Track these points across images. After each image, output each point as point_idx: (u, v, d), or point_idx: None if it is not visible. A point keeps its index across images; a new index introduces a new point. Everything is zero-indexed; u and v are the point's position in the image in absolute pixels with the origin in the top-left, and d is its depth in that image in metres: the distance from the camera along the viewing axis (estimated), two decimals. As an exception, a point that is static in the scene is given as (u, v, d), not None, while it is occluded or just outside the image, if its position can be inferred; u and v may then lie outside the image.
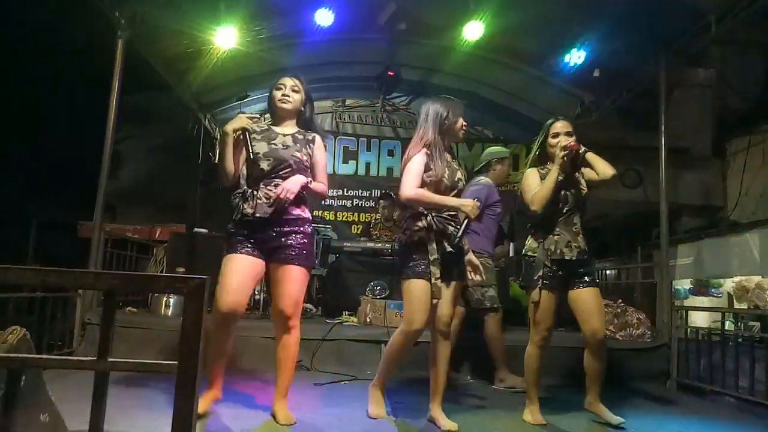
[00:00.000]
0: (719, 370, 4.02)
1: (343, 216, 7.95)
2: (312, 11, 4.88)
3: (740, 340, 4.05)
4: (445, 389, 2.89)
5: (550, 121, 3.07)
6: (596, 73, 5.17)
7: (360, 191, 7.96)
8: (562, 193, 2.94)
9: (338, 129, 8.16)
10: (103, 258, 4.57)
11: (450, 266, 2.78)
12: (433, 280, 2.68)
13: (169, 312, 4.74)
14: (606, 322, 3.48)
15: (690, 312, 4.74)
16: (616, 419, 2.92)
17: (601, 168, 2.92)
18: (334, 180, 8.00)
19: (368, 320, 4.76)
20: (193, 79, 5.84)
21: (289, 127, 2.77)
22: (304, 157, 2.69)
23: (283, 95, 2.74)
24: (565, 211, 2.95)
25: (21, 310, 3.79)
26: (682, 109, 6.79)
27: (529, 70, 6.01)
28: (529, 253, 3.01)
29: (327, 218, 7.65)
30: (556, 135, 2.97)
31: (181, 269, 5.01)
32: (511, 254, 6.58)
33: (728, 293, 6.50)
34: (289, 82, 2.77)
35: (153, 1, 4.46)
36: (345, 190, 8.02)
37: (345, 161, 8.10)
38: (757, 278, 5.83)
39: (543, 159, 3.06)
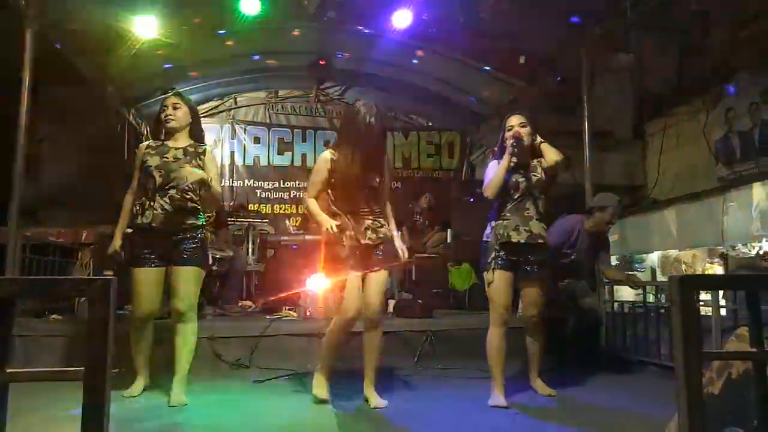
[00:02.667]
0: (643, 341, 4.26)
1: (280, 208, 7.83)
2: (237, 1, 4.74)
3: (662, 311, 4.29)
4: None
5: (506, 116, 3.28)
6: (522, 60, 5.31)
7: (297, 183, 7.86)
8: (513, 179, 3.10)
9: (271, 120, 8.00)
10: (22, 265, 4.30)
11: (369, 257, 2.95)
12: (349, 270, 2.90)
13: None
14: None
15: (617, 286, 4.97)
16: (547, 390, 3.23)
17: (548, 155, 3.12)
18: (270, 172, 7.87)
19: (308, 314, 4.72)
20: (113, 73, 5.55)
21: (182, 141, 3.08)
22: (194, 167, 2.97)
23: (166, 116, 3.04)
24: (516, 197, 3.11)
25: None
26: (605, 93, 7.08)
27: (459, 57, 6.09)
28: (484, 238, 3.20)
29: (263, 212, 7.51)
30: (511, 128, 3.15)
31: (109, 272, 4.78)
32: (448, 240, 6.70)
33: (651, 268, 6.88)
34: (170, 101, 3.09)
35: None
36: (281, 181, 7.90)
37: (280, 153, 7.96)
38: (675, 252, 6.21)
39: (503, 151, 3.18)
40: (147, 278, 2.92)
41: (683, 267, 6.26)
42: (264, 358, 4.05)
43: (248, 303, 5.53)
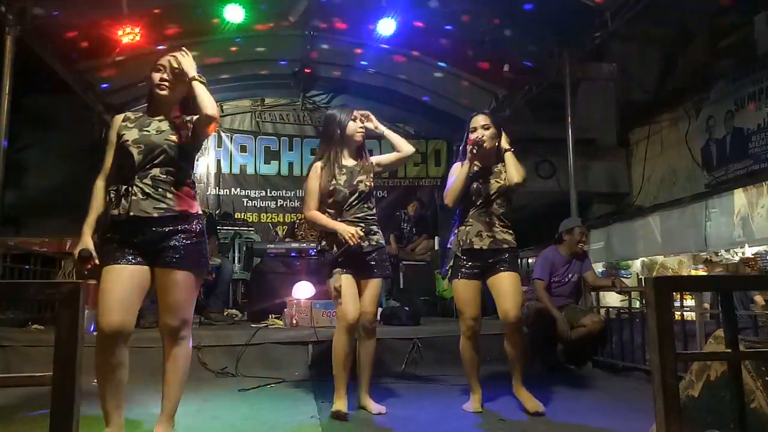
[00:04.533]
0: (629, 346, 4.28)
1: (267, 217, 7.80)
2: (222, 7, 4.74)
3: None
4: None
5: (471, 115, 3.12)
6: (506, 69, 5.36)
7: (284, 191, 7.84)
8: (475, 185, 2.98)
9: (259, 128, 7.99)
10: (2, 273, 4.24)
11: (362, 265, 2.90)
12: (340, 276, 2.84)
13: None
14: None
15: (604, 293, 5.02)
16: (533, 406, 2.92)
17: (510, 172, 2.97)
18: (257, 180, 7.85)
19: (294, 322, 4.69)
20: (96, 80, 5.52)
21: (168, 115, 2.35)
22: (183, 140, 2.29)
23: (161, 80, 2.28)
24: (478, 203, 2.99)
25: None
26: (589, 102, 7.17)
27: (444, 66, 6.14)
28: (449, 245, 3.10)
29: (250, 220, 7.47)
30: (474, 129, 3.00)
31: (93, 282, 4.72)
32: (436, 248, 6.71)
33: (636, 274, 6.94)
34: (167, 62, 2.28)
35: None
36: (268, 190, 7.88)
37: (267, 161, 7.94)
38: (660, 258, 6.26)
39: (465, 153, 3.08)
40: (120, 278, 2.16)
41: (669, 273, 6.32)
42: (250, 366, 4.02)
43: (234, 311, 5.49)
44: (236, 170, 7.82)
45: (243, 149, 7.85)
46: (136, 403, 2.93)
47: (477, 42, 5.20)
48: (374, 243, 2.95)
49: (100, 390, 2.17)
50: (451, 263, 2.99)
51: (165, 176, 2.25)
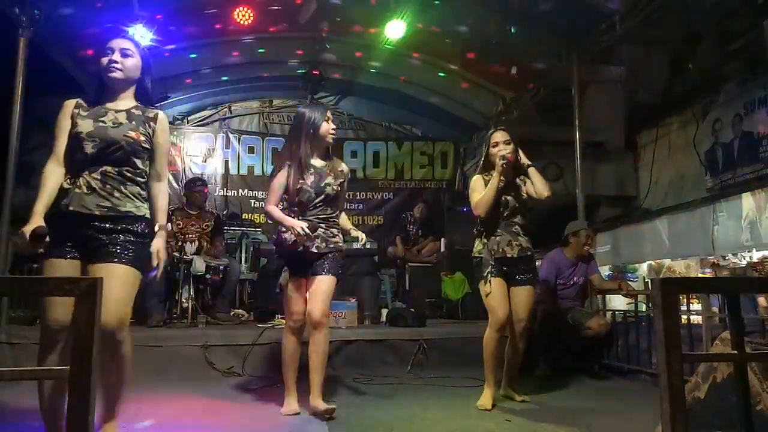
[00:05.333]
0: (635, 350, 4.26)
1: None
2: (231, 10, 4.78)
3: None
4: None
5: (490, 132, 3.35)
6: (514, 71, 5.37)
7: (291, 193, 7.85)
8: (503, 198, 3.20)
9: (267, 130, 8.02)
10: (12, 272, 4.29)
11: (316, 262, 2.94)
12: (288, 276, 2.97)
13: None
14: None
15: (610, 296, 5.00)
16: (520, 396, 3.29)
17: (538, 188, 3.21)
18: (264, 181, 7.87)
19: (300, 322, 4.70)
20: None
21: (125, 102, 2.25)
22: (141, 137, 2.19)
23: (111, 62, 2.17)
24: (506, 214, 3.22)
25: None
26: (596, 104, 7.16)
27: (452, 68, 6.16)
28: (476, 254, 3.27)
29: (257, 221, 7.50)
30: (496, 144, 3.22)
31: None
32: (442, 249, 6.72)
33: (643, 277, 6.92)
34: (116, 44, 2.20)
35: (57, -3, 4.23)
36: (276, 191, 7.90)
37: (274, 162, 7.96)
38: (667, 261, 6.24)
39: (487, 167, 3.28)
40: (63, 272, 2.04)
41: (677, 276, 6.29)
42: (256, 366, 4.05)
43: (240, 311, 5.52)
44: (244, 171, 7.85)
45: (251, 150, 7.89)
46: (145, 402, 2.96)
47: (485, 44, 5.21)
48: (332, 246, 2.98)
49: (42, 399, 1.85)
50: (488, 269, 3.16)
51: (116, 173, 2.15)
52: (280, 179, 2.94)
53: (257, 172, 7.88)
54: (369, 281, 5.60)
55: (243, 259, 6.02)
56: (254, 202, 7.79)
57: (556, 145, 6.87)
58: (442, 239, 6.92)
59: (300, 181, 2.91)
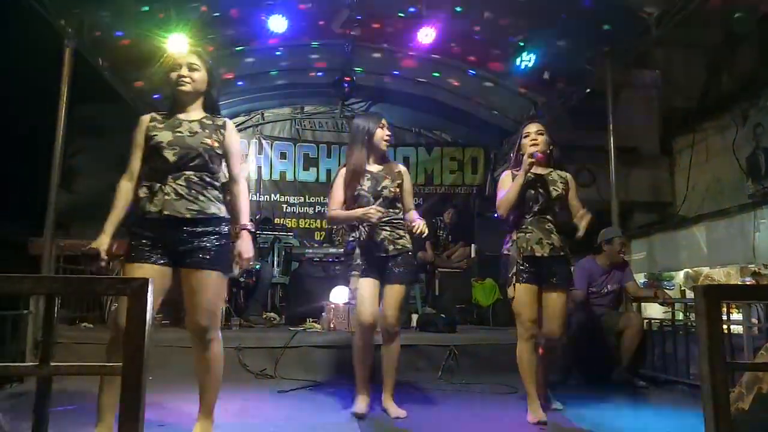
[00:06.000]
0: (672, 359, 4.17)
1: (305, 223, 7.93)
2: (265, 18, 4.87)
3: (692, 329, 4.20)
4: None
5: (524, 124, 3.20)
6: (546, 76, 5.32)
7: (322, 198, 7.95)
8: (532, 192, 3.00)
9: (298, 136, 8.14)
10: (56, 274, 4.43)
11: (382, 269, 2.97)
12: (357, 278, 2.92)
13: (127, 326, 4.61)
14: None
15: (643, 303, 4.90)
16: (554, 404, 3.12)
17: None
18: (296, 187, 7.99)
19: (332, 326, 4.75)
20: (145, 88, 5.73)
21: (195, 113, 2.39)
22: (216, 144, 2.33)
23: (180, 77, 2.33)
24: (536, 210, 2.99)
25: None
26: (630, 109, 7.03)
27: (482, 73, 6.14)
28: (505, 251, 3.08)
29: (289, 225, 7.60)
30: (527, 135, 3.06)
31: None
32: (472, 255, 6.68)
33: (680, 285, 6.75)
34: (184, 59, 2.35)
35: (100, 9, 4.37)
36: (307, 196, 8.01)
37: (306, 168, 8.08)
38: (705, 269, 6.08)
39: (519, 161, 3.09)
40: (147, 276, 2.07)
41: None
42: (289, 368, 4.10)
43: (273, 315, 5.59)
44: (276, 177, 7.98)
45: (283, 156, 8.01)
46: (180, 402, 3.02)
47: (517, 48, 5.19)
48: (399, 247, 2.99)
49: (100, 389, 2.17)
50: (514, 270, 2.97)
51: (198, 179, 2.27)
52: (339, 186, 3.04)
53: (289, 177, 8.00)
54: (399, 286, 5.59)
55: (275, 263, 6.10)
56: (286, 207, 7.91)
57: (589, 150, 6.78)
58: (472, 245, 6.88)
59: (357, 187, 2.98)
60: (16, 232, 6.92)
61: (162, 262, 2.22)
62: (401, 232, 3.04)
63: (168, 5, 4.54)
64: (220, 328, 4.67)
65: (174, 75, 2.34)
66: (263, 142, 7.96)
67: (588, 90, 5.51)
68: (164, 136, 2.28)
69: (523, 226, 3.00)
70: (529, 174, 2.98)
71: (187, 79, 2.33)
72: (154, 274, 2.15)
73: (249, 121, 7.98)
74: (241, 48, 5.59)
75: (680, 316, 4.43)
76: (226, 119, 2.46)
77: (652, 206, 7.35)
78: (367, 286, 2.94)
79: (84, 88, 4.58)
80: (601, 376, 4.23)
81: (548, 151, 3.06)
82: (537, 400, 2.93)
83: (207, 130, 2.34)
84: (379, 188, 2.98)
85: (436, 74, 6.43)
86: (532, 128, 3.07)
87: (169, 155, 2.25)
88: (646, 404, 3.64)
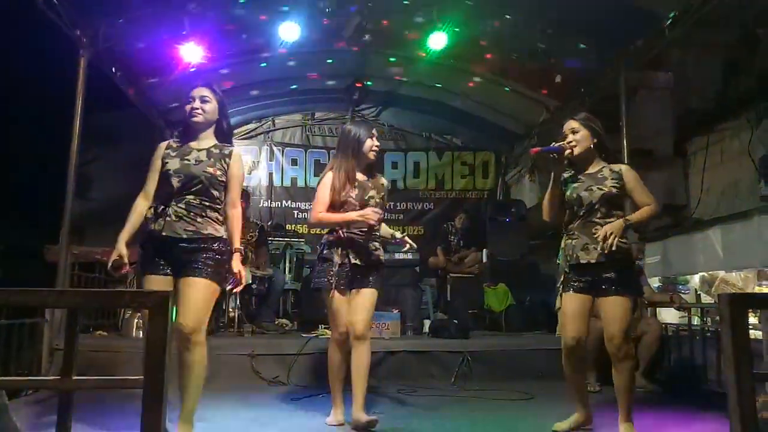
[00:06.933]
0: (689, 365, 4.11)
1: (316, 229, 7.92)
2: (277, 26, 4.89)
3: (708, 334, 4.15)
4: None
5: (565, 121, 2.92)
6: (558, 79, 5.29)
7: (332, 203, 7.94)
8: (574, 194, 2.78)
9: (309, 142, 8.16)
10: (71, 281, 4.48)
11: (359, 276, 2.95)
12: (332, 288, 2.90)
13: (141, 334, 4.65)
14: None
15: (659, 308, 4.84)
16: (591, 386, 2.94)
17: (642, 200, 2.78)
18: (306, 193, 7.99)
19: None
20: (158, 97, 5.78)
21: (206, 141, 2.66)
22: (218, 172, 2.58)
23: (192, 109, 2.61)
24: (581, 213, 2.76)
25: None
26: (644, 111, 6.96)
27: (494, 78, 6.12)
28: (557, 260, 2.92)
29: (300, 231, 7.61)
30: (565, 136, 2.82)
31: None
32: (484, 260, 6.65)
33: (695, 289, 6.66)
34: (197, 92, 2.64)
35: (115, 18, 4.41)
36: (317, 202, 8.00)
37: (316, 174, 8.06)
38: (721, 273, 5.99)
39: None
40: (157, 286, 2.47)
41: (732, 288, 6.04)
42: (301, 375, 4.10)
43: (284, 321, 5.59)
44: (287, 183, 8.00)
45: (294, 162, 8.03)
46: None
47: (528, 52, 5.17)
48: (373, 258, 2.99)
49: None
50: (561, 279, 2.83)
51: (198, 202, 2.54)
52: (324, 191, 2.98)
53: (300, 183, 8.01)
54: (411, 292, 5.59)
55: (287, 269, 6.11)
56: (297, 213, 7.91)
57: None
58: (484, 250, 6.85)
59: (344, 194, 2.96)
60: (32, 240, 7.00)
61: (165, 272, 2.51)
62: (377, 244, 3.04)
63: (183, 16, 4.58)
64: (233, 335, 4.73)
65: (188, 107, 2.62)
66: (274, 148, 7.98)
67: (602, 93, 5.47)
68: (173, 164, 2.56)
69: (570, 232, 2.81)
70: (567, 173, 2.82)
71: (199, 111, 2.61)
72: (161, 283, 2.47)
73: (260, 128, 8.02)
74: (252, 55, 5.62)
75: (696, 320, 4.38)
76: (234, 148, 2.71)
77: (667, 209, 7.26)
78: (340, 300, 2.92)
79: (98, 97, 4.63)
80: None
81: (591, 146, 2.79)
82: (580, 411, 2.82)
83: (212, 159, 2.60)
84: (366, 197, 2.98)
85: (447, 79, 6.42)
86: (567, 127, 2.83)
87: (174, 181, 2.54)
88: (664, 411, 3.58)
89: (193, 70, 5.13)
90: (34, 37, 5.69)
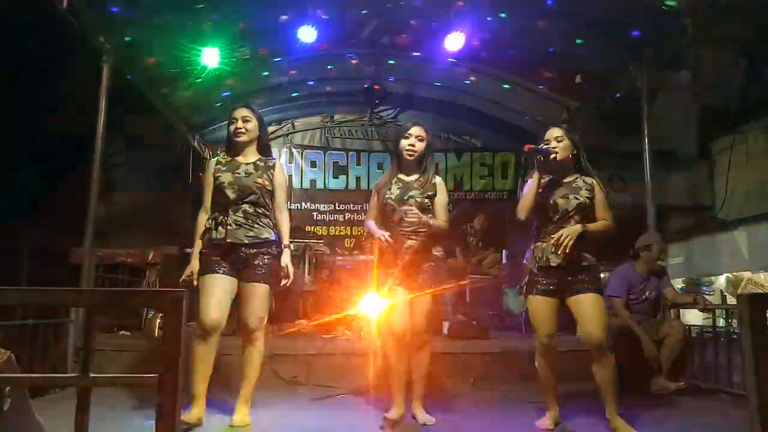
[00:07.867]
0: (713, 367, 4.03)
1: (335, 230, 7.96)
2: (295, 29, 4.92)
3: (734, 336, 4.07)
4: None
5: (547, 130, 3.05)
6: (578, 80, 5.24)
7: (351, 205, 7.98)
8: (552, 200, 2.89)
9: (328, 144, 8.19)
10: (95, 283, 4.56)
11: (410, 277, 2.98)
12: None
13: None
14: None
15: (683, 310, 4.76)
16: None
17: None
18: (325, 195, 8.04)
19: (363, 334, 4.75)
20: (179, 101, 5.87)
21: (251, 155, 3.02)
22: (266, 182, 2.94)
23: (237, 129, 2.95)
24: (556, 218, 2.87)
25: (12, 339, 3.76)
26: (665, 111, 6.87)
27: (513, 78, 6.08)
28: (525, 261, 3.01)
29: (319, 233, 7.65)
30: (548, 141, 2.95)
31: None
32: (503, 261, 6.61)
33: (720, 290, 6.54)
34: (239, 113, 2.98)
35: (137, 24, 4.49)
36: (337, 204, 8.04)
37: (335, 176, 8.12)
38: (747, 274, 5.87)
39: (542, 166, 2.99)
40: (216, 283, 2.81)
41: (760, 289, 5.91)
42: (320, 376, 4.11)
43: (303, 322, 5.62)
44: (306, 185, 8.04)
45: (313, 164, 8.08)
46: (213, 408, 3.06)
47: (547, 52, 5.12)
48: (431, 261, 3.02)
49: (193, 374, 2.77)
50: (527, 279, 2.94)
51: (253, 210, 2.90)
52: (374, 193, 3.15)
53: (319, 185, 8.06)
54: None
55: (306, 270, 6.14)
56: (317, 215, 7.96)
57: (623, 155, 6.64)
58: (503, 251, 6.81)
59: (386, 196, 3.04)
60: (57, 242, 7.15)
61: (228, 272, 2.86)
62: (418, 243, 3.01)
63: (203, 20, 4.64)
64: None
65: (232, 128, 2.97)
66: (294, 151, 8.04)
67: (623, 93, 5.39)
68: (226, 177, 2.91)
69: (542, 236, 2.91)
70: (545, 178, 2.93)
71: (242, 130, 2.96)
72: (223, 282, 2.84)
73: (279, 131, 8.07)
74: (271, 59, 5.67)
75: (721, 322, 4.29)
76: (276, 160, 3.09)
77: (690, 210, 7.15)
78: (401, 300, 2.95)
79: (121, 102, 4.71)
80: (636, 385, 4.11)
81: (570, 156, 2.94)
82: (554, 410, 2.95)
83: (259, 171, 2.96)
84: (405, 197, 3.01)
85: (466, 81, 6.39)
86: (553, 133, 2.96)
87: (230, 193, 2.89)
88: (688, 414, 3.52)
89: (210, 74, 5.18)
90: (59, 45, 5.81)
